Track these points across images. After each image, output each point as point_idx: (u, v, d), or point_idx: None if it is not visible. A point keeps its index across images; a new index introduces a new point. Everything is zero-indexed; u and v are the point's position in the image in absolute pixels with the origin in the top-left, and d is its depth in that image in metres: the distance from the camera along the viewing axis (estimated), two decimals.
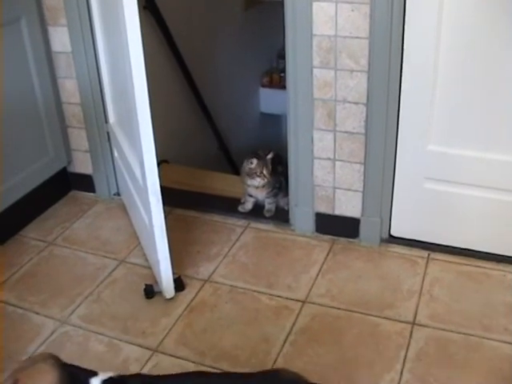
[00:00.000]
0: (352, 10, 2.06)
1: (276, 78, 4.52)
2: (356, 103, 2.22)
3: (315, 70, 2.21)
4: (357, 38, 2.10)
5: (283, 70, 4.47)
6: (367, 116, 2.22)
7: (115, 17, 1.87)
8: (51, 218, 2.75)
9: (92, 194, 2.90)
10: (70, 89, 2.69)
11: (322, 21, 2.11)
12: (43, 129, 2.70)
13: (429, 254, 2.35)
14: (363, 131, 2.26)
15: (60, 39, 2.59)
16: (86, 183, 2.89)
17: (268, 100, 4.50)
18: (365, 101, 2.20)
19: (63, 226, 2.69)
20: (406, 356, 1.90)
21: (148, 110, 1.85)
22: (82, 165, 2.87)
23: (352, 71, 2.16)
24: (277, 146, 2.88)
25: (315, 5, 2.09)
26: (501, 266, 2.25)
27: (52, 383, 1.09)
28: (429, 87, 2.12)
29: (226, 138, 3.96)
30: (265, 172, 2.53)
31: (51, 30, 2.59)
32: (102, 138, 2.75)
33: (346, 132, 2.29)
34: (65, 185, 2.91)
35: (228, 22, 3.89)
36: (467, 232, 2.31)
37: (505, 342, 1.93)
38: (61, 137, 2.78)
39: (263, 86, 4.54)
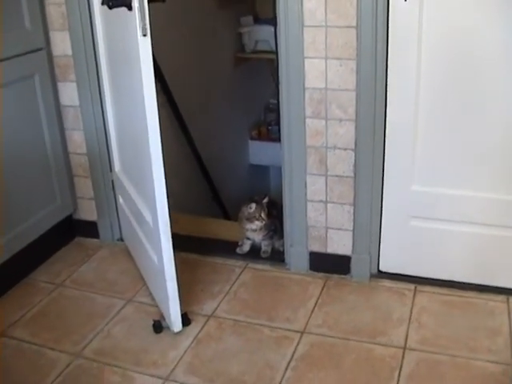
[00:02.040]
0: (340, 65, 2.30)
1: (264, 130, 4.75)
2: (345, 149, 2.44)
3: (307, 120, 2.43)
4: (345, 90, 2.33)
5: (270, 123, 4.77)
6: (355, 161, 2.44)
7: (129, 75, 2.09)
8: (58, 263, 2.89)
9: (96, 239, 3.06)
10: (76, 140, 2.89)
11: (314, 75, 2.35)
12: (52, 178, 2.87)
13: (415, 287, 2.54)
14: (352, 175, 2.47)
15: (69, 94, 2.80)
16: (90, 229, 3.05)
17: (257, 152, 4.72)
18: (353, 147, 2.42)
19: (70, 269, 2.83)
20: (399, 376, 2.07)
21: (161, 157, 2.06)
22: (87, 212, 3.04)
23: (341, 120, 2.39)
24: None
25: (307, 61, 2.33)
26: (482, 295, 2.45)
27: None
28: (410, 133, 2.35)
29: (219, 189, 4.17)
30: (263, 215, 2.73)
31: (60, 86, 2.80)
32: (106, 186, 2.93)
33: (336, 176, 2.50)
34: (70, 231, 3.07)
35: (220, 79, 4.15)
36: (450, 265, 2.51)
37: (489, 362, 2.11)
38: (67, 185, 2.96)
39: (252, 138, 4.76)
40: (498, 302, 2.41)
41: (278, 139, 4.56)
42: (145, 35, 1.82)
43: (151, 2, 1.85)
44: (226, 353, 2.25)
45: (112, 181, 2.90)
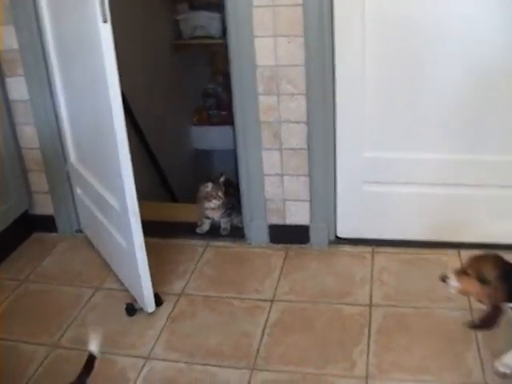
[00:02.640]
0: (289, 42, 2.39)
1: (205, 115, 4.79)
2: (298, 123, 2.54)
3: (260, 97, 2.52)
4: (294, 65, 2.43)
5: (210, 108, 4.83)
6: (308, 133, 2.54)
7: (86, 64, 2.13)
8: (19, 260, 2.88)
9: (54, 233, 3.05)
10: (28, 134, 2.87)
11: (264, 53, 2.43)
12: (5, 175, 2.84)
13: (373, 249, 2.68)
14: (306, 147, 2.58)
15: (17, 88, 2.78)
16: (47, 224, 3.03)
17: (200, 137, 4.77)
18: (305, 120, 2.52)
19: (32, 264, 2.82)
20: (369, 331, 2.20)
21: (126, 142, 2.09)
22: (43, 206, 3.03)
23: (292, 95, 2.49)
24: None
25: (257, 40, 2.41)
26: (436, 251, 2.61)
27: None
28: (358, 103, 2.48)
29: (166, 174, 4.20)
30: (220, 194, 2.81)
31: (9, 81, 2.78)
32: (61, 179, 2.93)
33: (290, 149, 2.60)
34: (27, 227, 3.05)
35: (159, 66, 4.17)
36: (404, 225, 2.66)
37: (449, 309, 2.27)
38: (22, 181, 2.94)
39: (194, 124, 4.81)
40: (450, 256, 2.58)
41: (219, 123, 4.68)
42: (105, 22, 1.86)
43: None
44: (202, 327, 2.32)
45: (67, 172, 2.90)
